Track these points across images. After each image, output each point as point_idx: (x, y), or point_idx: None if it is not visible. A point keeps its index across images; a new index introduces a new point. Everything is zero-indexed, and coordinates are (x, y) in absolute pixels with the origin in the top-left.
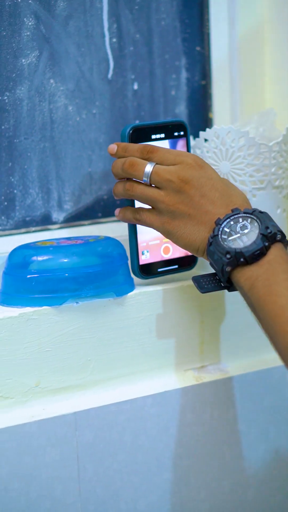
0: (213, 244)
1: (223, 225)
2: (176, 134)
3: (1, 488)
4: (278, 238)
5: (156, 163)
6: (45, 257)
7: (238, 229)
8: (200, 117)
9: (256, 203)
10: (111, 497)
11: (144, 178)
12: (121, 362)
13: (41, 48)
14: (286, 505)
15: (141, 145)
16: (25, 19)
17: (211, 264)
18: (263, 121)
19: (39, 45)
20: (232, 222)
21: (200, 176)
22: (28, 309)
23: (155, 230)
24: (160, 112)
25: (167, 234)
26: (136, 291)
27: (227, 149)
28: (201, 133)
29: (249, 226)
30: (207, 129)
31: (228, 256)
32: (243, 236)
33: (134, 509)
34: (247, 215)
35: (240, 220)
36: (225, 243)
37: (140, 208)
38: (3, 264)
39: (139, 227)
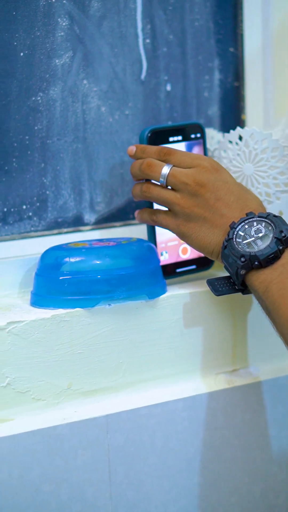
0: (227, 247)
1: (237, 229)
2: (193, 136)
3: (33, 490)
4: None
5: (173, 165)
6: (77, 259)
7: (252, 233)
8: (232, 118)
9: (280, 206)
10: (141, 500)
11: (161, 179)
12: (153, 365)
13: (75, 48)
14: None
15: (159, 147)
16: (59, 19)
17: (225, 267)
18: None
19: (72, 46)
20: (246, 226)
21: (216, 180)
22: (60, 311)
23: None
24: (193, 113)
25: (182, 236)
26: (168, 293)
27: (250, 151)
28: (225, 135)
29: (263, 230)
30: (231, 131)
31: (242, 259)
32: (258, 240)
33: None
34: (262, 219)
35: (255, 224)
36: (240, 246)
37: (157, 210)
38: (35, 265)
39: (158, 229)
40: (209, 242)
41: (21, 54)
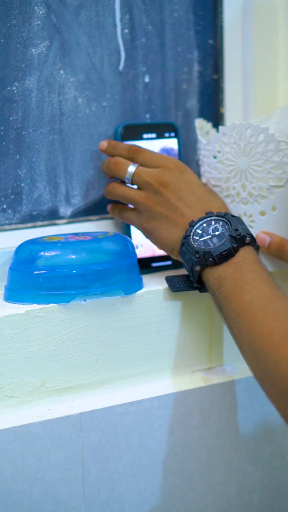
0: (185, 245)
1: (195, 227)
2: (166, 135)
3: (4, 490)
4: (247, 241)
5: (140, 164)
6: (53, 253)
7: (210, 231)
8: (211, 111)
9: (274, 201)
10: (115, 500)
11: (127, 177)
12: (128, 362)
13: (52, 38)
14: None
15: (128, 145)
16: (35, 7)
17: (183, 264)
18: (284, 117)
19: (49, 35)
20: (205, 225)
21: (179, 180)
22: (34, 306)
23: None
24: (171, 106)
25: (145, 233)
26: (144, 289)
27: (245, 144)
28: (220, 128)
29: (220, 229)
30: (227, 124)
31: (197, 255)
32: (214, 238)
33: None
34: (219, 218)
35: (213, 222)
36: (196, 243)
37: (124, 207)
38: (10, 259)
39: None
40: (169, 239)
41: None
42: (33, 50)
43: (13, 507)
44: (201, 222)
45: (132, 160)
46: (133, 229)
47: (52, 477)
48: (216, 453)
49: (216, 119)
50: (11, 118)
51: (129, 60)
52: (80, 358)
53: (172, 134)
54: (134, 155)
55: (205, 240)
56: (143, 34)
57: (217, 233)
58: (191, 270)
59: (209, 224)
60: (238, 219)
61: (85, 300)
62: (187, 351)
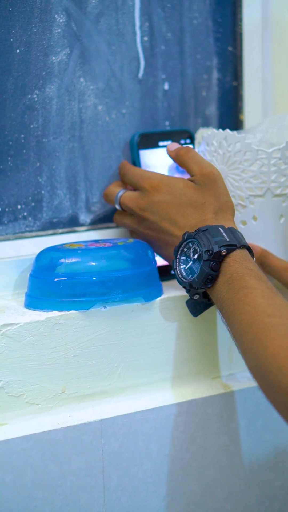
0: (174, 273)
1: (178, 254)
2: (182, 141)
3: (26, 496)
4: (223, 253)
5: (126, 189)
6: (73, 260)
7: (191, 254)
8: (231, 118)
9: (254, 210)
10: (136, 507)
11: (116, 205)
12: (148, 369)
13: (72, 46)
14: None
15: (121, 164)
16: (56, 16)
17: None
18: (271, 127)
19: (69, 43)
20: (185, 249)
21: (155, 202)
22: (55, 313)
23: None
24: (191, 113)
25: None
26: (164, 296)
27: (224, 153)
28: (203, 136)
29: (198, 249)
30: (208, 132)
31: (186, 290)
32: (195, 262)
33: None
34: (191, 239)
35: (190, 244)
36: (181, 276)
37: (132, 229)
38: (30, 266)
39: None
40: (170, 260)
41: (17, 51)
42: (54, 58)
43: None
44: (182, 247)
45: (123, 182)
46: None
47: (73, 484)
48: (236, 460)
49: (235, 126)
50: (31, 126)
51: (149, 68)
52: (100, 365)
53: (188, 141)
54: (123, 178)
55: (190, 267)
56: (163, 42)
57: (196, 256)
58: (191, 299)
59: (188, 248)
60: (211, 231)
61: (105, 307)
62: (207, 358)
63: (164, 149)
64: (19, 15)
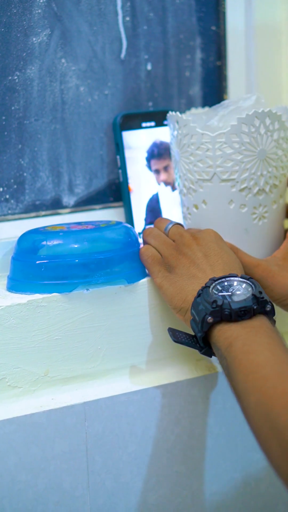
0: (201, 295)
1: (216, 282)
2: (165, 122)
3: (9, 480)
4: (267, 308)
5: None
6: (55, 242)
7: (230, 289)
8: (215, 99)
9: (203, 195)
10: (120, 489)
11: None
12: (132, 351)
13: (53, 26)
14: None
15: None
16: None
17: (192, 320)
18: (230, 113)
19: (50, 24)
20: (226, 283)
21: (212, 241)
22: (37, 296)
23: None
24: (174, 94)
25: (159, 282)
26: (147, 278)
27: (177, 135)
28: (168, 115)
29: (241, 290)
30: (168, 114)
31: (214, 305)
32: (234, 296)
33: (144, 502)
34: (244, 280)
35: (235, 283)
36: (215, 294)
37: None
38: (12, 249)
39: (135, 211)
40: (184, 289)
41: None
42: (34, 39)
43: (18, 497)
44: (223, 280)
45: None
46: (136, 218)
47: (57, 467)
48: (221, 441)
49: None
50: (12, 108)
51: (131, 48)
52: (83, 347)
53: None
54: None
55: (224, 295)
56: (145, 22)
57: (238, 292)
58: (201, 321)
59: (230, 284)
60: (260, 287)
61: (87, 290)
62: None
63: (147, 130)
64: None
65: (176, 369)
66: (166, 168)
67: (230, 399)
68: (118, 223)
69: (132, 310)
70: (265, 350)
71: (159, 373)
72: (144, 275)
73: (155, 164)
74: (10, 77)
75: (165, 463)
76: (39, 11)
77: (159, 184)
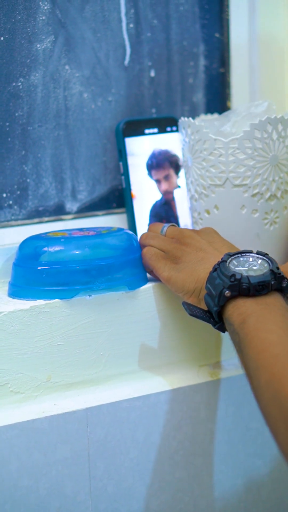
0: (218, 270)
1: (233, 256)
2: (168, 129)
3: (11, 485)
4: (284, 284)
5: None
6: (56, 248)
7: (247, 264)
8: (218, 105)
9: (216, 200)
10: (122, 495)
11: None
12: (134, 357)
13: (57, 33)
14: None
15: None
16: (40, 3)
17: (207, 295)
18: (242, 119)
19: (54, 30)
20: (241, 259)
21: (213, 232)
22: (39, 302)
23: None
24: (177, 101)
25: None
26: (149, 284)
27: (189, 141)
28: (180, 121)
29: (257, 266)
30: (180, 120)
31: (232, 279)
32: (251, 271)
33: (146, 508)
34: (260, 256)
35: (251, 259)
36: (232, 267)
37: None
38: (14, 255)
39: (138, 218)
40: (196, 270)
41: (1, 38)
42: (38, 45)
43: (20, 502)
44: (238, 255)
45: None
46: (138, 224)
47: (58, 473)
48: (224, 447)
49: (223, 113)
50: (16, 114)
51: (135, 55)
52: (85, 353)
53: (174, 128)
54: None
55: (241, 270)
56: (149, 29)
57: (255, 268)
58: (218, 295)
59: (246, 260)
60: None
61: (90, 296)
62: (193, 346)
63: (150, 137)
64: (2, 2)
65: (178, 375)
66: (166, 178)
67: (232, 405)
68: (120, 229)
69: (134, 316)
70: (278, 328)
71: (161, 379)
72: (146, 281)
73: (155, 175)
74: (14, 84)
75: (167, 469)
76: (43, 17)
77: (161, 193)
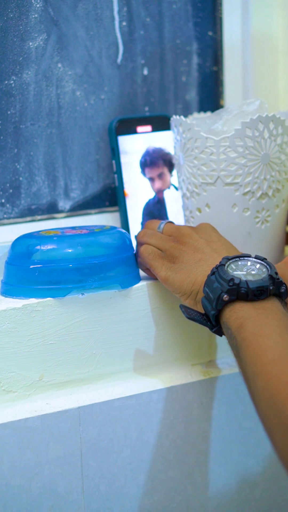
0: (216, 273)
1: (231, 260)
2: (161, 127)
3: (3, 484)
4: (282, 290)
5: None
6: (48, 247)
7: (245, 269)
8: (211, 104)
9: (207, 198)
10: (115, 494)
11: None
12: (127, 356)
13: (49, 31)
14: None
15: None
16: (32, 0)
17: (204, 299)
18: (234, 118)
19: (47, 28)
20: (240, 263)
21: (211, 229)
22: (32, 301)
23: None
24: (170, 99)
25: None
26: (142, 282)
27: (181, 139)
28: (172, 119)
29: (256, 270)
30: (172, 118)
31: (231, 283)
32: (249, 276)
33: (138, 507)
34: (258, 260)
35: (249, 263)
36: (230, 271)
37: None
38: (6, 254)
39: (131, 216)
40: (194, 272)
41: None
42: (31, 43)
43: (12, 502)
44: (237, 259)
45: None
46: (131, 223)
47: (51, 472)
48: (216, 446)
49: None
50: (8, 112)
51: (128, 53)
52: (78, 352)
53: (167, 127)
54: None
55: (239, 274)
56: (142, 27)
57: (253, 272)
58: (216, 299)
59: (244, 264)
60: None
61: (82, 294)
62: (186, 344)
63: (143, 135)
64: None
65: (171, 374)
66: (160, 176)
67: (224, 404)
68: (112, 227)
69: (127, 315)
70: (275, 333)
71: (154, 378)
72: (138, 279)
73: (149, 173)
74: (6, 82)
75: (159, 468)
76: (36, 15)
77: (154, 191)
